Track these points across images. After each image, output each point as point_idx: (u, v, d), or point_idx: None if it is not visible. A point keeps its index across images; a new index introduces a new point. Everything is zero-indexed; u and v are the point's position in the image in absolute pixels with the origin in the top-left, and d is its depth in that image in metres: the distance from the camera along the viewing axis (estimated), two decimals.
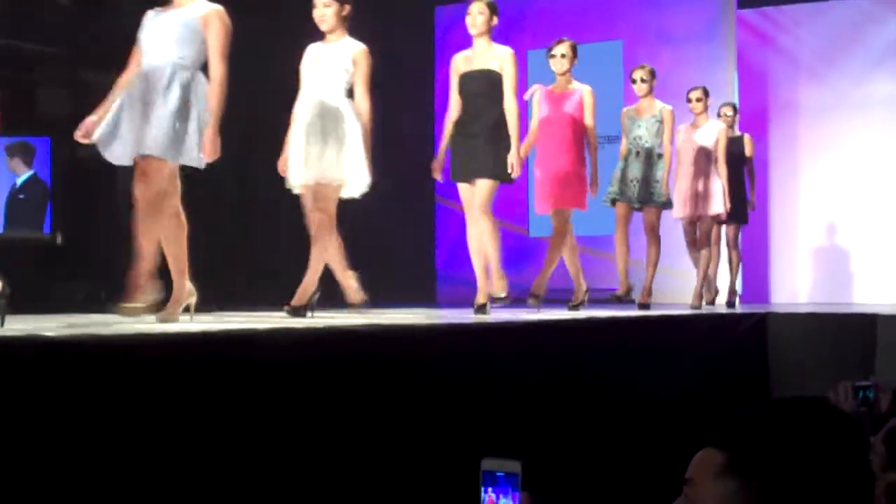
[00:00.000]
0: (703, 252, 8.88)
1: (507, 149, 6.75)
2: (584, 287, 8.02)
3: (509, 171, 6.76)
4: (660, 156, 8.41)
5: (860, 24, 10.32)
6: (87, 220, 9.15)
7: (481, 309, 6.86)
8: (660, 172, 8.37)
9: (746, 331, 7.13)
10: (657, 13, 10.80)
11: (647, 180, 8.37)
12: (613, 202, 8.49)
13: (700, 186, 8.84)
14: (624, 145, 8.59)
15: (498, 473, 1.79)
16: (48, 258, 8.84)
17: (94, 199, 9.36)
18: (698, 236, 9.00)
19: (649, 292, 8.49)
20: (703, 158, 8.81)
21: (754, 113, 10.71)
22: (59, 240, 8.97)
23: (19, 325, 4.44)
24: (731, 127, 9.35)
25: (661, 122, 8.41)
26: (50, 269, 8.66)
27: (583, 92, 7.82)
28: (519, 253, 10.63)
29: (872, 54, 10.27)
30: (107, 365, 3.41)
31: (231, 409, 3.68)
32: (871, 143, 10.24)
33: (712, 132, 8.89)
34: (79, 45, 8.90)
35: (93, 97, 9.49)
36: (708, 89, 8.96)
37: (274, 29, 9.23)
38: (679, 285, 9.94)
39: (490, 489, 1.81)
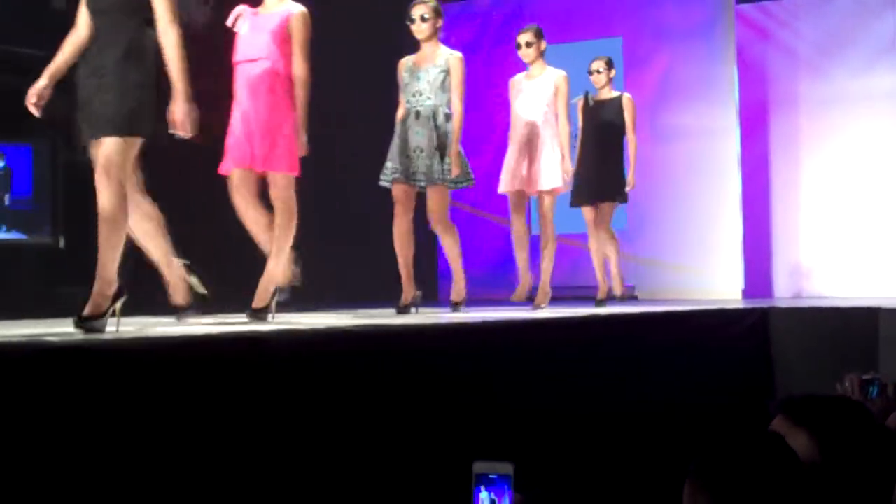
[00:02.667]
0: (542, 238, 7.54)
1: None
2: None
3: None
4: (447, 116, 6.63)
5: (859, 16, 10.31)
6: (88, 223, 9.14)
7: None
8: (450, 137, 6.57)
9: (749, 326, 7.13)
10: (655, 9, 10.79)
11: (435, 150, 6.59)
12: (395, 183, 6.68)
13: (528, 154, 7.36)
14: (401, 107, 6.76)
15: (490, 476, 1.80)
16: (50, 262, 8.84)
17: (95, 202, 9.36)
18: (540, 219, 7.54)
19: (462, 292, 6.93)
20: (534, 118, 7.35)
21: (755, 107, 10.70)
22: (60, 244, 8.98)
23: (22, 331, 4.46)
24: (607, 86, 8.28)
25: (446, 72, 6.65)
26: (52, 274, 8.66)
27: (291, 15, 5.69)
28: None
29: (872, 47, 10.25)
30: (109, 369, 3.42)
31: (227, 411, 3.69)
32: (872, 136, 10.22)
33: (548, 83, 7.38)
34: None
35: None
36: (541, 30, 7.58)
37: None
38: (677, 280, 9.96)
39: (483, 491, 1.82)
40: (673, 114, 10.40)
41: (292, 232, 5.68)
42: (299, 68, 5.59)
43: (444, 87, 6.58)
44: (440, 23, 6.69)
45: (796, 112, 10.65)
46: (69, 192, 9.14)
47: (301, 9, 5.70)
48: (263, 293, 5.58)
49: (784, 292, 10.53)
